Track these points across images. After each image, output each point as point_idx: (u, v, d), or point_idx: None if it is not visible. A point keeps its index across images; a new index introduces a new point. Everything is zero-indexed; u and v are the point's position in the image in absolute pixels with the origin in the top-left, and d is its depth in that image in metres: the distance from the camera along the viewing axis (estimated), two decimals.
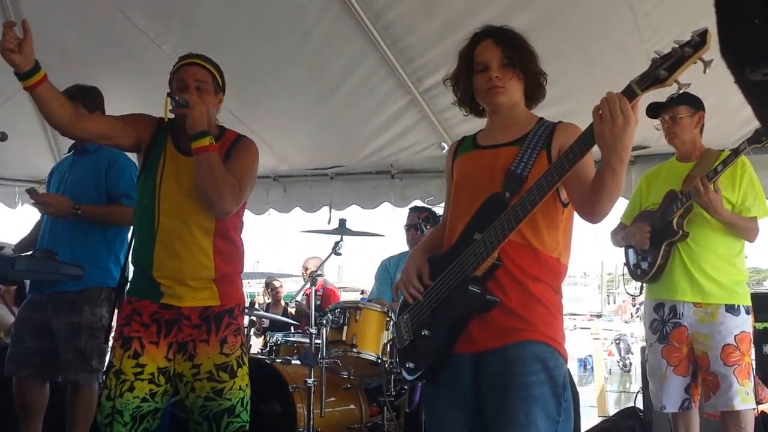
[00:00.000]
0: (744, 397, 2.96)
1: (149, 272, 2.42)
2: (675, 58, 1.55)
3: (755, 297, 4.08)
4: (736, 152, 2.92)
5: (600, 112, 1.62)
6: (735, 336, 2.98)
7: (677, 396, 3.10)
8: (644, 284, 3.28)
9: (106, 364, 3.22)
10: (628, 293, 3.67)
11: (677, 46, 1.55)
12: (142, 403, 2.35)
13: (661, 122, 3.18)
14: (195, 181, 2.37)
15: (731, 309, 3.01)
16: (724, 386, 2.95)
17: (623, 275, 3.41)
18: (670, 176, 3.22)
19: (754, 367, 3.69)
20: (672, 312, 3.10)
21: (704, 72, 1.53)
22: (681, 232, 3.05)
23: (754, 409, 3.05)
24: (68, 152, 3.59)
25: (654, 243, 3.12)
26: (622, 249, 3.40)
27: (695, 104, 3.13)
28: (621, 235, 3.32)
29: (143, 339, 2.39)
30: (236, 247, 2.54)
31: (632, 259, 3.30)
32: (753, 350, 3.12)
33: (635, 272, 3.28)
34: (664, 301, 3.13)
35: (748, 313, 3.05)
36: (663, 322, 3.13)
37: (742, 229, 3.06)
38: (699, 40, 1.51)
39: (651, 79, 1.58)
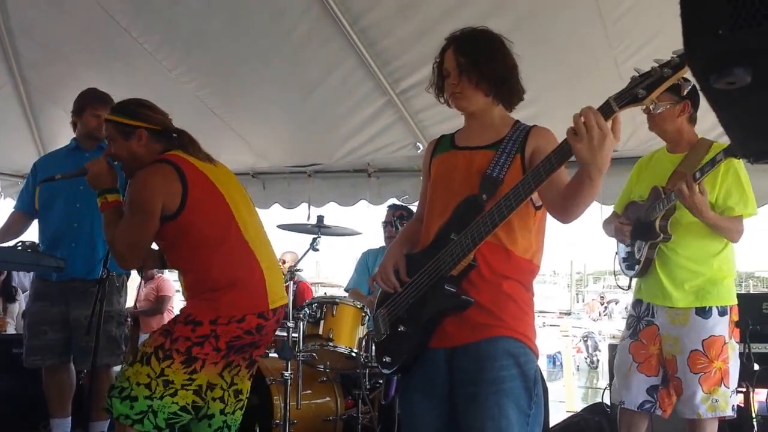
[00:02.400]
0: (711, 405, 2.85)
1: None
2: (654, 78, 1.56)
3: None
4: (712, 162, 2.75)
5: (574, 129, 1.61)
6: (703, 341, 2.86)
7: (638, 394, 2.99)
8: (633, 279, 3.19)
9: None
10: (619, 286, 3.51)
11: (657, 66, 1.55)
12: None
13: (646, 111, 2.97)
14: None
15: (701, 312, 2.89)
16: (688, 393, 2.86)
17: (621, 263, 3.24)
18: (657, 168, 3.11)
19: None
20: (647, 310, 3.04)
21: (682, 93, 1.57)
22: (662, 235, 2.94)
23: (724, 416, 2.89)
24: (72, 147, 3.61)
25: (640, 239, 3.04)
26: (603, 244, 3.37)
27: (679, 92, 2.84)
28: (611, 227, 3.22)
29: None
30: (189, 276, 2.46)
31: (622, 253, 3.22)
32: (731, 353, 2.90)
33: (624, 264, 3.21)
34: (642, 299, 3.08)
35: (723, 313, 2.90)
36: (638, 319, 3.08)
37: (726, 230, 2.90)
38: (679, 62, 1.52)
39: (629, 97, 1.59)
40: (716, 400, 2.85)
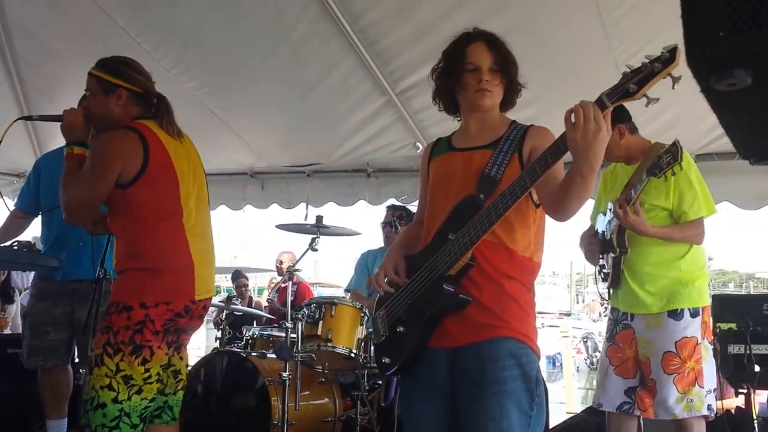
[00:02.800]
0: (687, 405, 2.87)
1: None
2: (645, 73, 1.58)
3: (719, 299, 4.16)
4: (640, 182, 2.79)
5: (572, 118, 1.65)
6: (675, 342, 2.90)
7: (615, 396, 3.04)
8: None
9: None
10: (600, 293, 3.66)
11: (647, 61, 1.58)
12: None
13: None
14: None
15: (673, 314, 2.93)
16: (662, 394, 2.89)
17: (598, 275, 3.32)
18: (617, 180, 3.18)
19: (716, 366, 3.72)
20: (625, 315, 3.10)
21: (673, 88, 1.55)
22: (619, 249, 3.02)
23: (704, 415, 2.89)
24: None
25: (605, 253, 3.15)
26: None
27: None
28: (584, 246, 3.32)
29: None
30: (121, 244, 2.47)
31: (596, 265, 3.30)
32: (705, 353, 2.91)
33: (600, 275, 3.29)
34: (619, 308, 3.15)
35: (695, 315, 2.92)
36: (615, 323, 3.14)
37: (681, 238, 2.96)
38: (669, 57, 1.55)
39: (621, 92, 1.62)
40: (691, 400, 2.88)
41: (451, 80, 2.07)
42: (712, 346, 2.95)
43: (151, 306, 2.35)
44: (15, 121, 2.54)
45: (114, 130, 2.43)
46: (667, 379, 2.88)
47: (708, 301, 3.00)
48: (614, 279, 3.12)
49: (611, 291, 3.21)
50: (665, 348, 2.91)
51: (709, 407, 2.90)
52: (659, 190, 2.92)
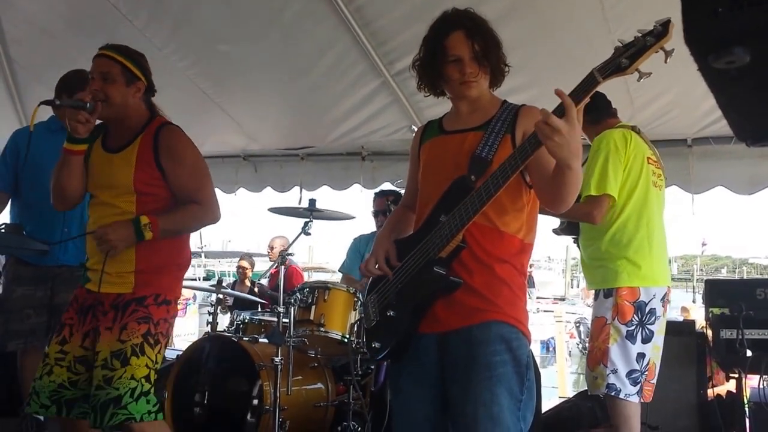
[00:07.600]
0: (593, 382, 2.97)
1: (86, 260, 2.54)
2: (637, 47, 1.57)
3: (712, 284, 4.18)
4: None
5: (547, 132, 1.63)
6: (592, 321, 3.10)
7: None
8: None
9: None
10: None
11: (640, 35, 1.57)
12: (60, 388, 2.38)
13: None
14: (113, 175, 2.44)
15: (595, 294, 3.09)
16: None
17: None
18: None
19: (709, 349, 3.74)
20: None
21: (665, 62, 1.55)
22: (560, 232, 3.30)
23: (606, 394, 2.94)
24: (57, 127, 3.38)
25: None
26: None
27: None
28: None
29: (73, 327, 2.45)
30: (162, 241, 2.42)
31: None
32: (615, 333, 2.94)
33: None
34: None
35: (607, 296, 2.99)
36: None
37: (574, 218, 3.08)
38: (661, 30, 1.54)
39: (613, 67, 1.61)
40: (595, 377, 2.96)
41: (434, 73, 2.05)
42: (629, 328, 2.93)
43: (177, 301, 2.46)
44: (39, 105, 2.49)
45: (179, 131, 2.48)
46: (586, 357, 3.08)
47: (630, 284, 2.96)
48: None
49: None
50: (590, 326, 3.13)
51: (609, 386, 2.92)
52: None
